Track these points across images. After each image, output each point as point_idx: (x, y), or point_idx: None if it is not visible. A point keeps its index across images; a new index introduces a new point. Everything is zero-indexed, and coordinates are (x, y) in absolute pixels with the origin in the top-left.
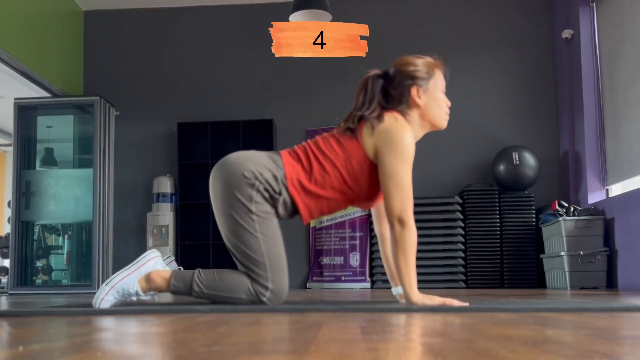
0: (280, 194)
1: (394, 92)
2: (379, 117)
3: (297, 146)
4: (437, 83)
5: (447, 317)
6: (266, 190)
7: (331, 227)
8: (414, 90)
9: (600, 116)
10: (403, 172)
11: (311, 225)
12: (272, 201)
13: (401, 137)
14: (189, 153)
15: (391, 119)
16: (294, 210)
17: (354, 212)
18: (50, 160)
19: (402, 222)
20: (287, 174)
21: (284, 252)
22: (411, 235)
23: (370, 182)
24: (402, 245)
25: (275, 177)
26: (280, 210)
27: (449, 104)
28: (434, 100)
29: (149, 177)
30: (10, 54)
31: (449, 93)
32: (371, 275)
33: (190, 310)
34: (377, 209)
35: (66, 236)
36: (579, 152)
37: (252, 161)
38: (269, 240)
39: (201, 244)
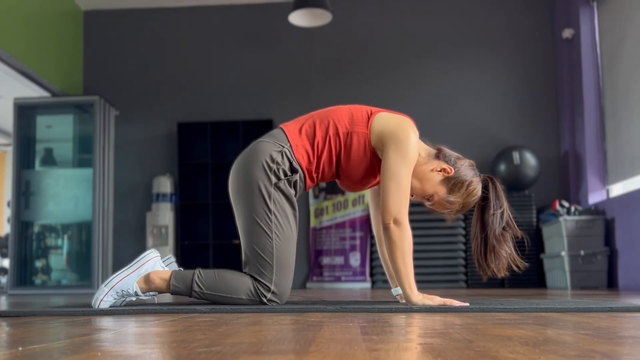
0: (296, 171)
1: (448, 161)
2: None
3: (307, 116)
4: (449, 195)
5: (447, 317)
6: (286, 178)
7: (331, 227)
8: (445, 169)
9: (601, 116)
10: (404, 173)
11: (311, 225)
12: (293, 188)
13: (408, 138)
14: (189, 153)
15: (400, 119)
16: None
17: (354, 212)
18: (49, 160)
19: (397, 222)
20: (292, 146)
21: (294, 258)
22: (407, 235)
23: (357, 163)
24: (399, 246)
25: (284, 154)
26: (299, 188)
27: (417, 198)
28: (426, 180)
29: (149, 177)
30: (10, 54)
31: (449, 92)
32: (371, 275)
33: (190, 310)
34: (376, 212)
35: (66, 236)
36: (579, 152)
37: (261, 153)
38: (282, 243)
39: (201, 244)
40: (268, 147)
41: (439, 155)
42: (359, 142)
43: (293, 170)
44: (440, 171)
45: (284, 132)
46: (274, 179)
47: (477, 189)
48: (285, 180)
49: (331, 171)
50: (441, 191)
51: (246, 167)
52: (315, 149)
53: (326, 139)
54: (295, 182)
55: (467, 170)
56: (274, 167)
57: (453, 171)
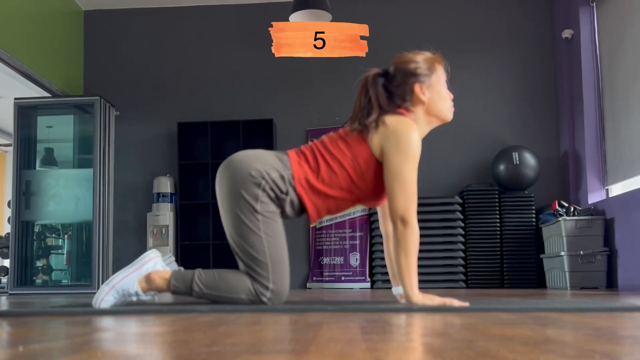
0: (287, 193)
1: (396, 90)
2: (377, 122)
3: (304, 146)
4: (439, 77)
5: (447, 317)
6: (272, 190)
7: (331, 227)
8: (417, 88)
9: (601, 116)
10: (408, 172)
11: (311, 225)
12: (279, 201)
13: (407, 137)
14: (189, 153)
15: (397, 119)
16: (301, 210)
17: (354, 212)
18: (50, 160)
19: (404, 222)
20: (294, 173)
21: (287, 253)
22: (413, 235)
23: (377, 181)
24: (403, 245)
25: (282, 177)
26: (287, 209)
27: (452, 96)
28: (437, 95)
29: (149, 177)
30: (11, 54)
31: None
32: (371, 275)
33: (190, 310)
34: (383, 208)
35: (66, 236)
36: (579, 152)
37: (259, 160)
38: (273, 240)
39: (201, 244)
40: (271, 161)
41: (402, 100)
42: (367, 162)
43: (285, 193)
44: (419, 90)
45: (291, 162)
46: (262, 183)
47: (416, 57)
48: (269, 189)
49: (345, 203)
50: (435, 86)
51: (238, 168)
52: (322, 185)
53: (332, 176)
54: (283, 200)
55: (409, 75)
56: (267, 177)
57: (417, 85)
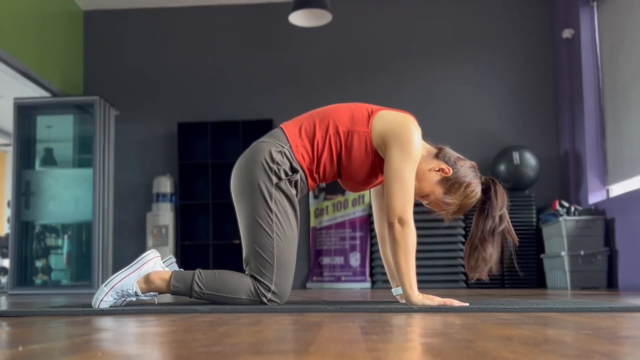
0: (296, 171)
1: (448, 161)
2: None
3: (304, 115)
4: (445, 199)
5: (447, 317)
6: (287, 178)
7: (331, 227)
8: (447, 171)
9: (601, 116)
10: (408, 173)
11: (311, 225)
12: (295, 188)
13: (412, 136)
14: (189, 153)
15: (405, 116)
16: (307, 184)
17: (354, 212)
18: (50, 160)
19: (402, 222)
20: (292, 146)
21: (294, 259)
22: (412, 235)
23: (360, 165)
24: (402, 245)
25: (284, 154)
26: (299, 190)
27: (422, 201)
28: (430, 187)
29: (149, 177)
30: (10, 54)
31: (448, 92)
32: (371, 275)
33: (190, 310)
34: (379, 211)
35: (66, 236)
36: (579, 152)
37: (261, 153)
38: (283, 244)
39: (201, 244)
40: (268, 147)
41: (438, 155)
42: (360, 142)
43: (293, 171)
44: (438, 171)
45: (284, 132)
46: (274, 179)
47: (476, 191)
48: (286, 180)
49: (332, 171)
50: (438, 191)
51: (247, 167)
52: (315, 149)
53: (326, 139)
54: (297, 182)
55: (466, 171)
56: (275, 167)
57: (451, 172)
